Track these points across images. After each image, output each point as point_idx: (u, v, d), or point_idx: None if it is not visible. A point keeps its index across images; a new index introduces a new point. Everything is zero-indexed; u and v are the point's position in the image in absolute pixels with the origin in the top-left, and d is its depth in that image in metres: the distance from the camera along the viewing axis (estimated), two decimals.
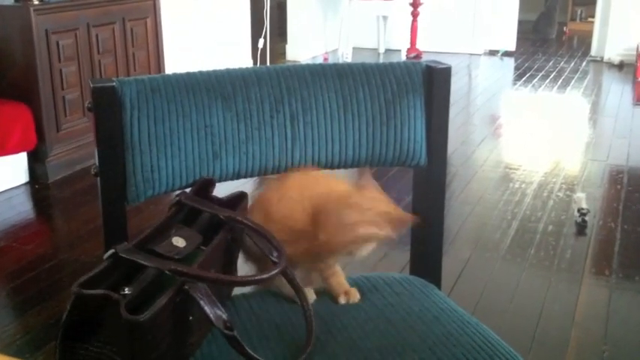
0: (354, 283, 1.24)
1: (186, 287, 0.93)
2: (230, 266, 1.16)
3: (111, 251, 0.95)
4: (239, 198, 1.19)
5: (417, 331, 1.11)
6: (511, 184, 3.48)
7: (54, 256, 2.68)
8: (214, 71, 1.22)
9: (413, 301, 1.20)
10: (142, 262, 0.94)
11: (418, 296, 1.22)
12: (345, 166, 1.29)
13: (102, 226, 1.17)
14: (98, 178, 1.13)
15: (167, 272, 0.93)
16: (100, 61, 3.72)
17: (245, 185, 3.40)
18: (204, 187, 1.17)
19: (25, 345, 2.09)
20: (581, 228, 2.95)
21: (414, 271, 1.37)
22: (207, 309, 0.94)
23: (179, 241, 1.01)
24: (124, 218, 1.16)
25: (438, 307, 1.20)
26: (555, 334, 2.15)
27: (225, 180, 1.22)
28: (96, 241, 2.75)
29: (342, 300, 1.19)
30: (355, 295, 1.20)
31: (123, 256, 0.94)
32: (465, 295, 2.35)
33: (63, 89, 3.50)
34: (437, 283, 1.35)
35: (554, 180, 3.54)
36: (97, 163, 1.12)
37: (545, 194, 3.34)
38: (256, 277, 1.01)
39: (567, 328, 2.18)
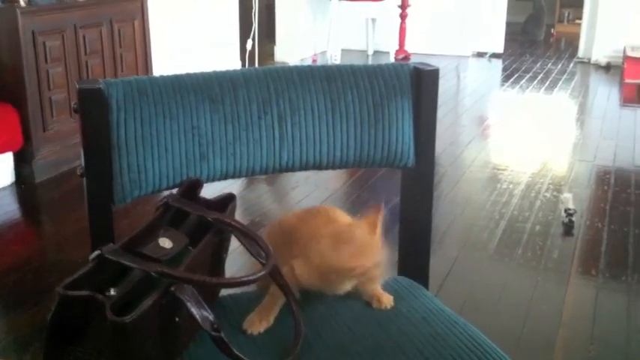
0: None
1: (172, 289, 0.92)
2: (217, 268, 1.16)
3: (96, 252, 0.94)
4: (227, 199, 1.18)
5: (405, 332, 1.11)
6: (499, 185, 3.49)
7: (40, 256, 2.66)
8: (202, 73, 1.21)
9: (401, 302, 1.20)
10: (128, 263, 0.94)
11: (406, 297, 1.23)
12: (334, 167, 1.29)
13: (88, 229, 1.16)
14: (84, 179, 1.13)
15: (153, 274, 0.92)
16: (87, 62, 3.70)
17: (233, 186, 3.39)
18: (191, 188, 1.16)
19: (11, 345, 2.07)
20: (568, 228, 2.96)
21: (402, 271, 1.37)
22: (193, 311, 0.93)
23: (166, 243, 1.01)
24: (110, 219, 1.16)
25: (426, 307, 1.20)
26: (542, 334, 2.16)
27: (213, 181, 1.22)
28: (83, 242, 2.72)
29: (375, 305, 1.18)
30: (389, 301, 1.19)
31: (108, 257, 0.94)
32: (452, 295, 2.35)
33: (49, 90, 3.48)
34: (424, 283, 1.35)
35: (541, 180, 3.55)
36: (83, 164, 1.11)
37: (532, 195, 3.35)
38: (244, 279, 1.00)
39: (554, 327, 2.19)
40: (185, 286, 0.93)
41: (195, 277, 0.96)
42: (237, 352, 0.97)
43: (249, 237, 1.10)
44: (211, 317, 0.95)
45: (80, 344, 0.90)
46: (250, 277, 1.00)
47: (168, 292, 0.92)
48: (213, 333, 0.95)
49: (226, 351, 0.97)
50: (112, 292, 0.90)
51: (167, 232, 1.04)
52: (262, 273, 1.01)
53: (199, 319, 0.94)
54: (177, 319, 0.96)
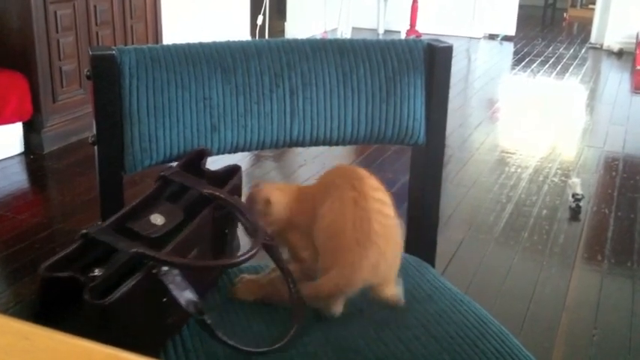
0: None
1: (154, 272, 0.89)
2: (221, 243, 1.11)
3: (83, 231, 0.91)
4: (232, 171, 1.14)
5: (411, 309, 1.11)
6: (507, 168, 3.48)
7: (48, 226, 2.67)
8: (214, 43, 1.21)
9: (407, 278, 1.20)
10: (111, 243, 0.90)
11: (412, 274, 1.23)
12: (344, 143, 1.29)
13: (98, 195, 1.16)
14: (95, 147, 1.13)
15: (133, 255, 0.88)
16: (97, 32, 3.69)
17: (241, 162, 3.38)
18: (197, 158, 1.13)
19: (17, 313, 2.09)
20: (575, 213, 2.96)
21: (408, 249, 1.37)
22: (175, 294, 0.89)
23: (158, 219, 0.97)
24: (120, 187, 1.15)
25: (432, 285, 1.20)
26: (546, 318, 2.16)
27: (223, 153, 1.22)
28: (90, 212, 2.75)
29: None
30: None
31: (92, 236, 0.90)
32: (457, 277, 2.36)
33: (60, 60, 3.48)
34: (431, 261, 1.35)
35: (549, 165, 3.54)
36: (95, 132, 1.11)
37: (540, 179, 3.34)
38: (233, 261, 0.96)
39: (558, 311, 2.20)
40: (167, 268, 0.90)
41: (176, 261, 0.91)
42: (222, 337, 0.94)
43: (241, 212, 1.05)
44: (195, 299, 0.91)
45: (64, 325, 0.88)
46: (239, 259, 0.96)
47: (151, 275, 0.89)
48: (197, 317, 0.92)
49: (210, 334, 0.94)
50: (97, 272, 0.87)
51: (162, 207, 1.00)
52: (251, 253, 0.96)
53: (183, 303, 0.90)
54: (164, 299, 0.92)
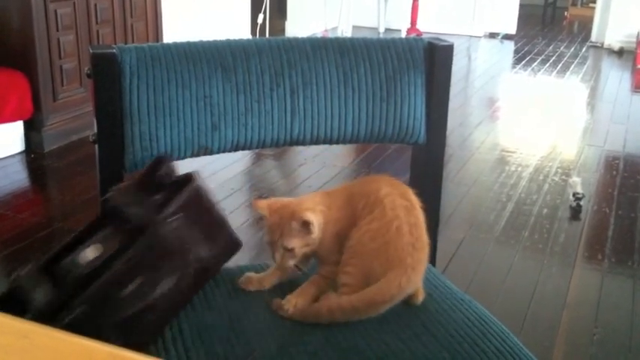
0: None
1: (66, 322, 0.82)
2: (186, 260, 1.02)
3: (12, 276, 0.88)
4: (185, 181, 1.04)
5: (411, 307, 1.11)
6: (507, 167, 3.48)
7: (48, 225, 2.67)
8: (215, 41, 1.21)
9: None
10: (29, 293, 0.86)
11: None
12: (344, 142, 1.29)
13: (98, 194, 1.16)
14: (96, 146, 1.13)
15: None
16: (98, 31, 3.69)
17: (241, 160, 3.37)
18: (156, 167, 1.06)
19: None
20: (575, 212, 2.96)
21: None
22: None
23: (90, 253, 0.90)
24: None
25: (432, 284, 1.20)
26: (547, 317, 2.16)
27: (224, 151, 1.22)
28: (90, 211, 2.74)
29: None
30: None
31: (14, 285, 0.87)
32: (457, 276, 2.36)
33: (60, 58, 3.48)
34: (431, 261, 1.35)
35: (550, 164, 3.54)
36: (96, 130, 1.11)
37: (540, 178, 3.34)
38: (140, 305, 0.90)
39: (559, 310, 2.20)
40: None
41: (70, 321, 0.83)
42: None
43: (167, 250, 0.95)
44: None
45: None
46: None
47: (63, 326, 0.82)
48: None
49: None
50: (29, 316, 0.83)
51: (103, 234, 0.93)
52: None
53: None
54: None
